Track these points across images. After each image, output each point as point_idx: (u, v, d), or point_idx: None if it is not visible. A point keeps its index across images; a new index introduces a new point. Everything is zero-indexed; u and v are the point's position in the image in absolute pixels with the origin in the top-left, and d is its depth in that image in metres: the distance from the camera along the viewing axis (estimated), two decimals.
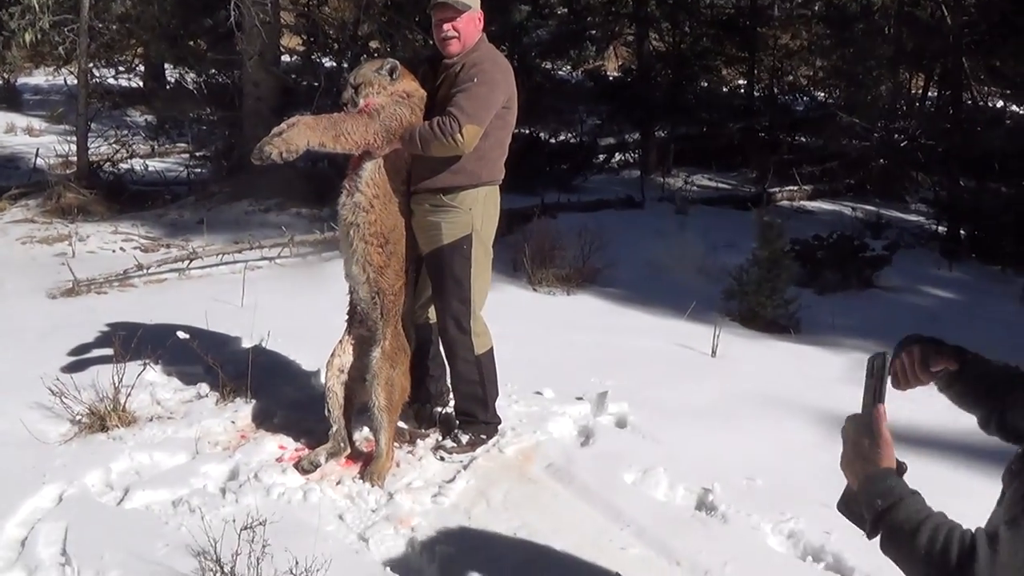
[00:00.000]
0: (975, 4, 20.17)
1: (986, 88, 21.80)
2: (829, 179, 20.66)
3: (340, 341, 6.87)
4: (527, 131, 19.73)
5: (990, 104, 22.18)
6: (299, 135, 6.25)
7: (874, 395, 3.18)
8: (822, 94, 26.24)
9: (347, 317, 6.89)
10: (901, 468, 3.08)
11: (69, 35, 16.34)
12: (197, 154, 19.70)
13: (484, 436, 6.95)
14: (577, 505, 6.24)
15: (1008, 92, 21.28)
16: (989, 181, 17.80)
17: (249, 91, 17.20)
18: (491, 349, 6.97)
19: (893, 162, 20.58)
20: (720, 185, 20.62)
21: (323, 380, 6.92)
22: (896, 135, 20.88)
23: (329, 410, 6.75)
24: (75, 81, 17.67)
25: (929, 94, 23.62)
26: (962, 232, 17.04)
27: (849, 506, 3.20)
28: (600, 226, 13.07)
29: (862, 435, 3.11)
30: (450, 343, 6.83)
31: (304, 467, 6.55)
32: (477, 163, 6.58)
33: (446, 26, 6.51)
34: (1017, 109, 21.85)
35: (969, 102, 20.66)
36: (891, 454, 3.06)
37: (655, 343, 9.79)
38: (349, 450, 6.82)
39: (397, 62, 6.53)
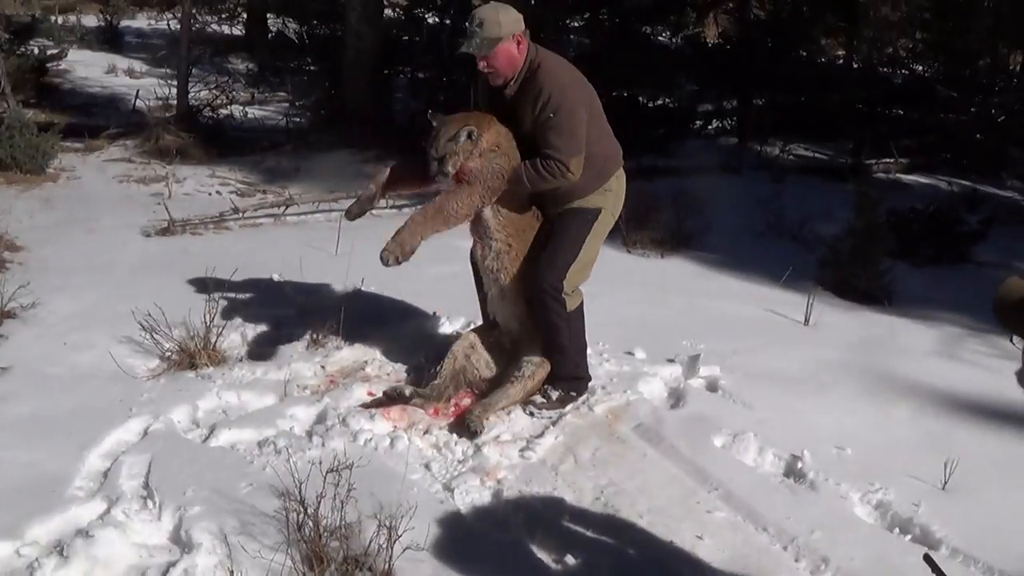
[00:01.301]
0: None
1: None
2: (926, 152, 20.41)
3: (478, 329, 7.12)
4: (625, 94, 19.69)
5: None
6: (411, 235, 6.50)
7: None
8: (921, 67, 25.95)
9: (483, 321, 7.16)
10: None
11: None
12: (296, 103, 19.88)
13: (574, 393, 6.93)
14: (665, 466, 6.22)
15: None
16: None
17: (351, 43, 17.46)
18: (581, 304, 6.92)
19: (990, 137, 20.33)
20: (816, 155, 20.44)
21: (453, 346, 6.99)
22: (994, 110, 20.62)
23: (443, 367, 6.84)
24: (178, 26, 17.89)
25: None
26: None
27: None
28: (696, 191, 13.00)
29: None
30: (543, 304, 6.71)
31: (389, 393, 6.65)
32: (595, 168, 6.67)
33: (482, 64, 6.52)
34: None
35: None
36: None
37: (748, 309, 9.71)
38: (440, 404, 6.82)
39: (472, 126, 6.47)
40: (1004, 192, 18.66)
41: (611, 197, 6.87)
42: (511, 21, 6.38)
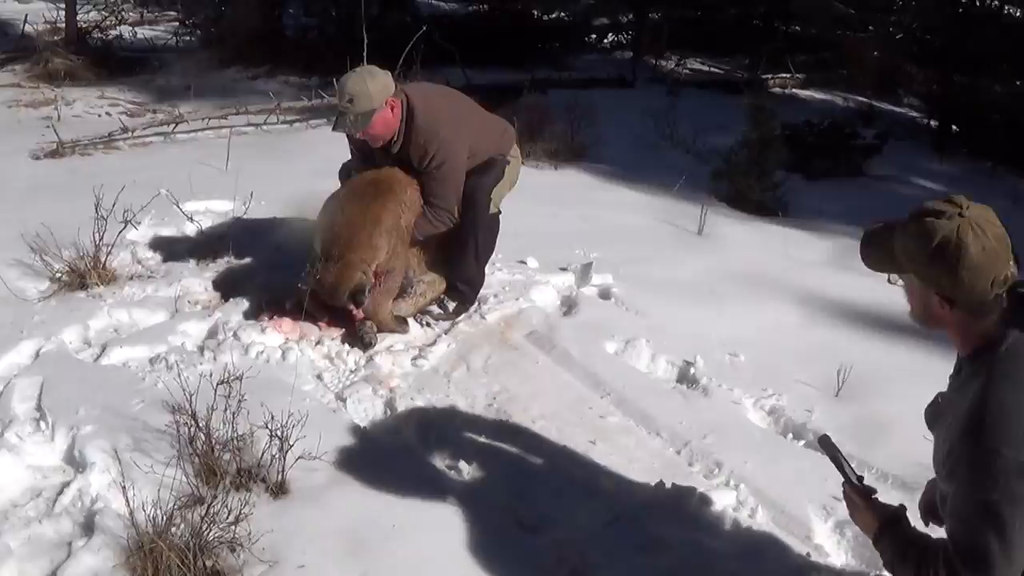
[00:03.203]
0: None
1: None
2: (822, 68, 20.49)
3: None
4: (519, 6, 19.63)
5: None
6: (381, 310, 6.54)
7: (841, 472, 3.73)
8: None
9: None
10: (900, 510, 3.58)
11: None
12: (187, 22, 19.57)
13: (467, 304, 6.96)
14: (557, 372, 6.26)
15: None
16: (983, 78, 17.65)
17: None
18: (498, 214, 7.06)
19: (888, 54, 20.44)
20: (713, 69, 20.53)
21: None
22: (892, 28, 20.70)
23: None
24: None
25: None
26: (954, 127, 16.97)
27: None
28: (590, 104, 12.91)
29: (855, 507, 3.69)
30: (470, 209, 6.80)
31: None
32: (493, 146, 7.04)
33: (360, 135, 6.53)
34: (1014, 12, 21.62)
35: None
36: (881, 511, 3.58)
37: (641, 219, 9.76)
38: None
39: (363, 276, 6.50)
40: (900, 109, 18.82)
41: (514, 162, 7.18)
42: (380, 89, 6.36)
